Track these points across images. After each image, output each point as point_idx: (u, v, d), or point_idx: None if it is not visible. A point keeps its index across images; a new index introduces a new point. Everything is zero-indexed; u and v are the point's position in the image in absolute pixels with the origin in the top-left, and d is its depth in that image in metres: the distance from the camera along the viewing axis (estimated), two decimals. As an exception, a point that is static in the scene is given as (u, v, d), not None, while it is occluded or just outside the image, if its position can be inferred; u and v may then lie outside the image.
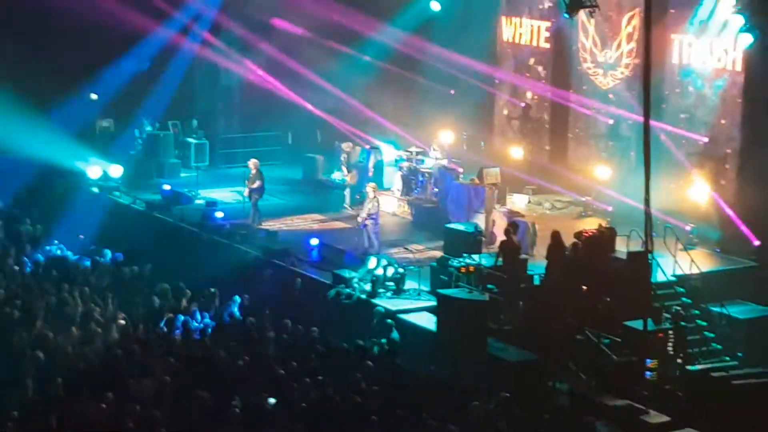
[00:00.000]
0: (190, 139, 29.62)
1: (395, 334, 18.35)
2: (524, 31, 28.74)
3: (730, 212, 22.39)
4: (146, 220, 24.81)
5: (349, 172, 26.38)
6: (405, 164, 25.77)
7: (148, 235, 23.67)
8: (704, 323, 19.28)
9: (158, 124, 29.33)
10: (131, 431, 13.65)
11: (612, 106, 26.36)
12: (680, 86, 24.60)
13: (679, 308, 18.68)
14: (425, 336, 18.45)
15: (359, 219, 22.43)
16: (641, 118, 17.07)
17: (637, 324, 16.91)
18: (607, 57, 26.46)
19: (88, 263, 20.77)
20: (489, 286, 18.91)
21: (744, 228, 21.99)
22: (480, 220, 22.66)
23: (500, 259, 19.26)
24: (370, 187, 22.76)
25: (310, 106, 29.44)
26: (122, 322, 17.93)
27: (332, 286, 20.07)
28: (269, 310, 18.88)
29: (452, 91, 29.88)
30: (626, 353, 17.13)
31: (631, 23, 25.85)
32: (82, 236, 23.73)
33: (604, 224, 20.48)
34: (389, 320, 18.62)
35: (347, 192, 25.95)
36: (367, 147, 27.43)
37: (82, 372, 15.52)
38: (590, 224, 20.44)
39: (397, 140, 27.92)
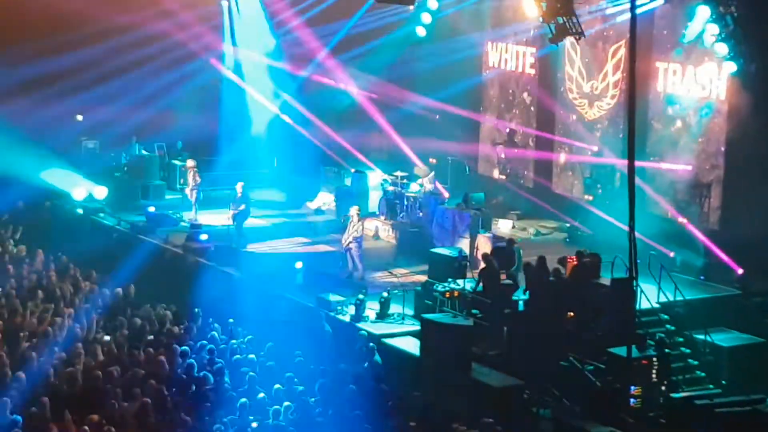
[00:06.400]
0: (176, 162, 29.57)
1: (377, 358, 18.32)
2: (509, 56, 28.86)
3: (706, 241, 22.52)
4: (130, 242, 24.70)
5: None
6: (390, 188, 25.77)
7: (132, 257, 23.55)
8: (688, 351, 19.30)
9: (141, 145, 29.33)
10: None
11: (597, 133, 26.46)
12: (665, 114, 24.68)
13: (663, 335, 18.73)
14: (409, 360, 18.41)
15: (343, 242, 22.40)
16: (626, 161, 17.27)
17: (622, 351, 16.94)
18: (593, 87, 26.53)
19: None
20: (473, 311, 18.90)
21: (725, 257, 22.05)
22: (465, 245, 22.67)
23: (480, 285, 19.29)
24: (354, 211, 22.73)
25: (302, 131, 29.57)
26: (106, 338, 17.84)
27: (316, 310, 20.02)
28: (252, 333, 18.81)
29: (437, 117, 29.89)
30: (610, 380, 17.14)
31: (617, 54, 25.89)
32: None
33: (587, 251, 20.50)
34: (371, 344, 18.60)
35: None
36: (353, 171, 27.45)
37: (65, 393, 15.40)
38: (574, 250, 20.44)
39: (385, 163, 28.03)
